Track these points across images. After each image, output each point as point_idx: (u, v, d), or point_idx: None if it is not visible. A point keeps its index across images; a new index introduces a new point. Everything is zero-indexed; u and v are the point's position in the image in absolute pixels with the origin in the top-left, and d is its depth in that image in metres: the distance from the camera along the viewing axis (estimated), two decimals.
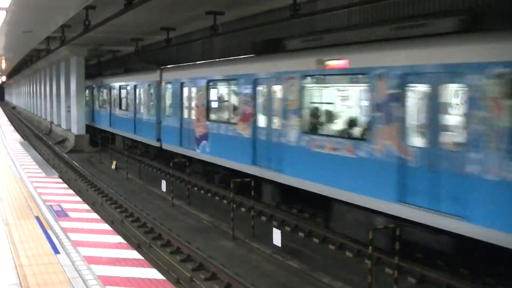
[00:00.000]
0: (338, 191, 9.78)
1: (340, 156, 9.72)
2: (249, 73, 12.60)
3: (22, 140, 26.04)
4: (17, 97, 77.97)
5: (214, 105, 15.36)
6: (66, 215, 10.02)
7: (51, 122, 36.03)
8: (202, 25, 18.99)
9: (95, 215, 10.14)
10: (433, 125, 8.01)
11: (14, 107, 78.95)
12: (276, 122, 11.69)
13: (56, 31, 20.39)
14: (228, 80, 14.09)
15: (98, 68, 34.32)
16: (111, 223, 10.82)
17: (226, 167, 14.03)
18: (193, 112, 16.12)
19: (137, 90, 22.17)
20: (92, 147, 26.94)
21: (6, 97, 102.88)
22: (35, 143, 30.25)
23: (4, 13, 15.53)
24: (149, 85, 20.45)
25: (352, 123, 10.08)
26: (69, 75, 28.89)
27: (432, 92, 8.05)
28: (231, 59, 15.04)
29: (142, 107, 21.66)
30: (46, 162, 17.76)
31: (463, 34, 7.90)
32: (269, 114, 12.00)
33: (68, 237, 8.50)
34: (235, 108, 13.67)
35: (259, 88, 12.30)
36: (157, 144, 19.59)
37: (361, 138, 9.41)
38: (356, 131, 9.78)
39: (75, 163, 22.13)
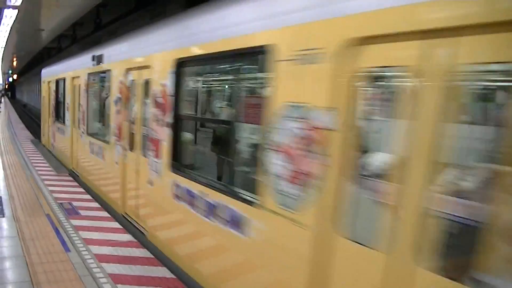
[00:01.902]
0: None
1: None
2: None
3: (33, 138, 26.13)
4: (28, 95, 78.37)
5: None
6: (77, 213, 10.04)
7: None
8: None
9: (106, 213, 10.14)
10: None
11: (25, 105, 79.38)
12: None
13: (68, 29, 20.48)
14: None
15: None
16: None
17: None
18: None
19: None
20: None
21: (17, 95, 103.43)
22: None
23: (16, 11, 15.61)
24: None
25: None
26: None
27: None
28: None
29: None
30: (57, 160, 17.79)
31: None
32: None
33: (78, 235, 8.51)
34: None
35: None
36: None
37: None
38: None
39: None
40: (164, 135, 7.36)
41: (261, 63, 4.89)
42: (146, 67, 8.34)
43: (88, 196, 11.80)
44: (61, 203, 10.81)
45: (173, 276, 6.80)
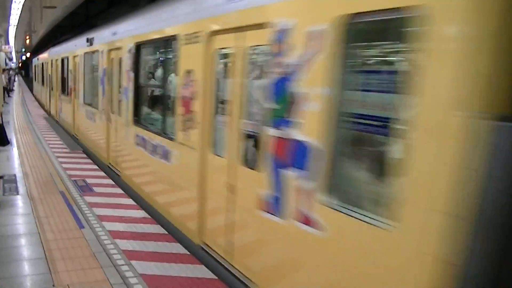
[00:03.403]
0: None
1: None
2: None
3: (46, 115, 26.24)
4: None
5: None
6: (91, 190, 10.06)
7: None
8: None
9: (119, 190, 10.15)
10: None
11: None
12: None
13: (80, 6, 20.38)
14: None
15: None
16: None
17: None
18: None
19: None
20: None
21: (31, 74, 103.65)
22: None
23: None
24: None
25: None
26: None
27: None
28: None
29: None
30: (70, 137, 17.86)
31: None
32: None
33: (92, 212, 8.53)
34: None
35: None
36: None
37: None
38: None
39: None
40: None
41: None
42: None
43: (101, 173, 11.82)
44: (75, 180, 10.84)
45: (187, 252, 6.80)
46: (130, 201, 9.32)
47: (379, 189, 3.78)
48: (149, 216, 8.41)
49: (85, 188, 10.18)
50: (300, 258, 4.53)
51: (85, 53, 14.76)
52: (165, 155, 7.88)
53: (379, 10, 3.55)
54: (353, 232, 3.82)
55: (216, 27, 6.19)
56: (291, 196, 4.54)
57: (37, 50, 60.85)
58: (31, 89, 52.68)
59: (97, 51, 13.14)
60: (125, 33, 10.56)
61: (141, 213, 8.59)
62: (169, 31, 7.84)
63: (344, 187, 4.12)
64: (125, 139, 10.43)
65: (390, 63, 4.02)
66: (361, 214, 3.78)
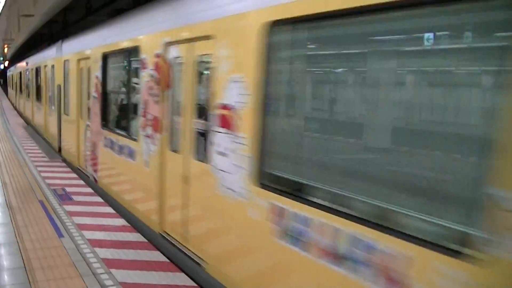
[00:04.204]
0: None
1: None
2: None
3: (25, 124, 26.03)
4: None
5: None
6: (70, 199, 10.04)
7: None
8: None
9: (99, 199, 10.15)
10: None
11: None
12: None
13: (58, 14, 20.29)
14: None
15: None
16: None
17: None
18: None
19: None
20: None
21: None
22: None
23: None
24: None
25: None
26: None
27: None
28: None
29: None
30: (49, 146, 17.76)
31: None
32: None
33: (72, 221, 8.52)
34: None
35: None
36: None
37: None
38: None
39: None
40: None
41: None
42: None
43: (81, 182, 11.79)
44: (54, 189, 10.80)
45: (166, 260, 6.83)
46: (109, 209, 9.32)
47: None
48: (129, 224, 8.43)
49: (64, 197, 10.16)
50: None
51: (26, 69, 27.76)
52: None
53: None
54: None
55: None
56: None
57: (15, 58, 60.26)
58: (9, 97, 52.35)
59: (28, 69, 26.08)
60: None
61: (120, 221, 8.60)
62: None
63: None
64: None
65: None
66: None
